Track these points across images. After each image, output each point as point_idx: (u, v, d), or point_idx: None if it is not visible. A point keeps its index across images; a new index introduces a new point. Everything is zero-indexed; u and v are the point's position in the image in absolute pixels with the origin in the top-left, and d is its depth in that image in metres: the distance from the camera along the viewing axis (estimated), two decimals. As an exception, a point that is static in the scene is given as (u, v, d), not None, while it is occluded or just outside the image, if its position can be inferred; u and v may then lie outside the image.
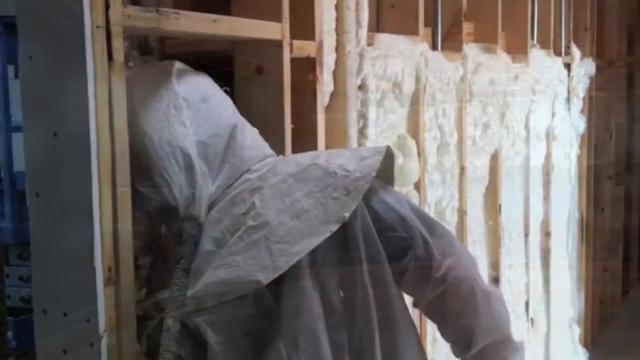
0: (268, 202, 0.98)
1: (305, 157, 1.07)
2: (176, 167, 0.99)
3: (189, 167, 0.99)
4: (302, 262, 0.97)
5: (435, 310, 1.10)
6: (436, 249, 1.05)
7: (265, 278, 0.93)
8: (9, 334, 2.52)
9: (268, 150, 1.14)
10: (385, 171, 1.09)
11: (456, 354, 1.13)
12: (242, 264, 0.94)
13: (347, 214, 0.96)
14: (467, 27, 2.12)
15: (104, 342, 0.94)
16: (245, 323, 0.96)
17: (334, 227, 0.96)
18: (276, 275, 0.93)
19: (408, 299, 1.12)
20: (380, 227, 1.03)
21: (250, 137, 1.10)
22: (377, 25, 1.81)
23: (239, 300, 0.95)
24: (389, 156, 1.08)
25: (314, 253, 0.98)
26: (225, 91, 1.14)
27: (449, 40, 1.98)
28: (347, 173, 0.99)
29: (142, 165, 1.00)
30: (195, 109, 1.03)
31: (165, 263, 1.03)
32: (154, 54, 1.52)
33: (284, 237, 0.95)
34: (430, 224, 1.08)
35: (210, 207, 1.02)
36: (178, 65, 1.09)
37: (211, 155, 1.02)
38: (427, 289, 1.06)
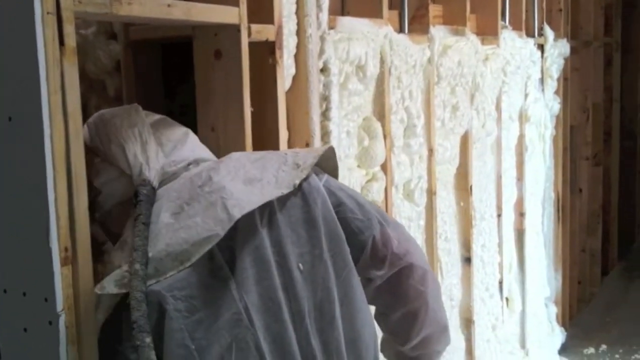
0: (223, 174, 1.05)
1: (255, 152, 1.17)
2: (133, 138, 1.08)
3: (144, 142, 1.08)
4: (262, 234, 1.00)
5: (386, 292, 1.13)
6: (392, 233, 1.11)
7: (222, 229, 0.97)
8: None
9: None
10: (332, 173, 1.16)
11: (391, 347, 1.17)
12: (200, 223, 0.98)
13: (297, 181, 1.04)
14: (435, 10, 2.15)
15: (61, 320, 0.96)
16: (204, 291, 0.98)
17: (286, 190, 1.03)
18: (231, 224, 0.97)
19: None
20: (340, 209, 1.08)
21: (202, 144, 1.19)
22: (342, 9, 1.83)
23: (197, 268, 0.97)
24: (332, 158, 1.16)
25: (275, 228, 1.01)
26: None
27: (415, 23, 2.00)
28: (296, 153, 1.10)
29: (104, 144, 1.08)
30: (152, 121, 1.14)
31: (124, 246, 1.04)
32: (118, 40, 1.54)
33: (238, 194, 1.01)
34: (383, 215, 1.15)
35: (165, 182, 1.08)
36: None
37: (165, 139, 1.11)
38: (384, 267, 1.10)
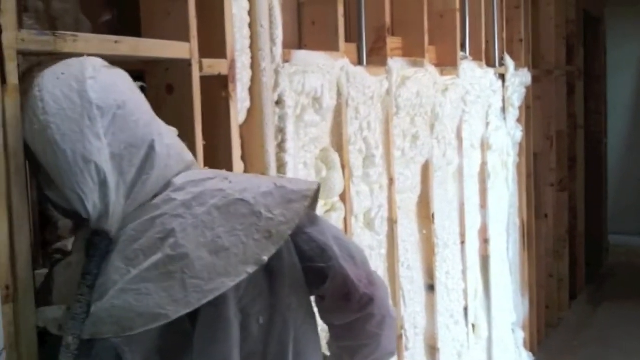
0: (190, 233, 0.97)
1: (233, 187, 1.03)
2: (90, 183, 0.96)
3: (103, 183, 0.97)
4: (227, 291, 0.97)
5: (341, 329, 1.15)
6: (355, 278, 1.10)
7: (175, 313, 0.93)
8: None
9: (188, 156, 1.10)
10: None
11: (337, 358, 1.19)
12: (154, 293, 0.94)
13: (265, 257, 0.98)
14: (394, 42, 2.19)
15: (3, 358, 0.96)
16: (159, 341, 0.97)
17: (251, 269, 0.97)
18: (186, 311, 0.94)
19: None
20: (300, 257, 1.07)
21: (170, 145, 1.06)
22: (300, 42, 1.86)
23: None
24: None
25: (239, 284, 0.98)
26: (141, 88, 1.10)
27: (373, 55, 2.04)
28: (272, 216, 1.00)
29: (53, 176, 0.98)
30: (111, 117, 0.98)
31: (69, 269, 1.02)
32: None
33: (200, 272, 0.95)
34: (350, 253, 1.11)
35: (126, 219, 1.00)
36: (91, 62, 1.02)
37: (126, 167, 0.98)
38: (343, 317, 1.12)
